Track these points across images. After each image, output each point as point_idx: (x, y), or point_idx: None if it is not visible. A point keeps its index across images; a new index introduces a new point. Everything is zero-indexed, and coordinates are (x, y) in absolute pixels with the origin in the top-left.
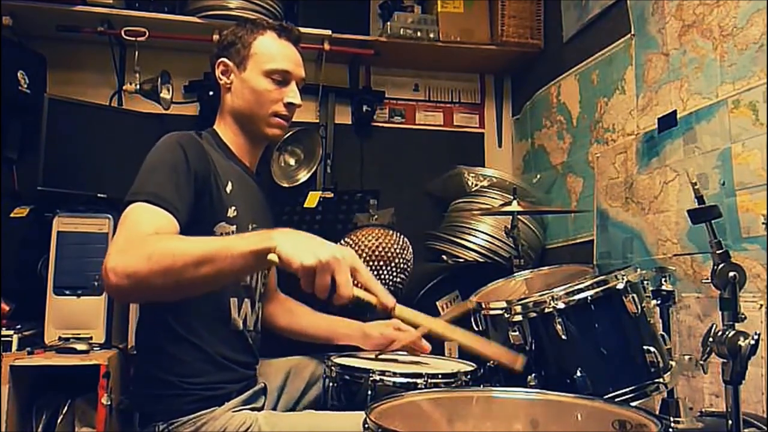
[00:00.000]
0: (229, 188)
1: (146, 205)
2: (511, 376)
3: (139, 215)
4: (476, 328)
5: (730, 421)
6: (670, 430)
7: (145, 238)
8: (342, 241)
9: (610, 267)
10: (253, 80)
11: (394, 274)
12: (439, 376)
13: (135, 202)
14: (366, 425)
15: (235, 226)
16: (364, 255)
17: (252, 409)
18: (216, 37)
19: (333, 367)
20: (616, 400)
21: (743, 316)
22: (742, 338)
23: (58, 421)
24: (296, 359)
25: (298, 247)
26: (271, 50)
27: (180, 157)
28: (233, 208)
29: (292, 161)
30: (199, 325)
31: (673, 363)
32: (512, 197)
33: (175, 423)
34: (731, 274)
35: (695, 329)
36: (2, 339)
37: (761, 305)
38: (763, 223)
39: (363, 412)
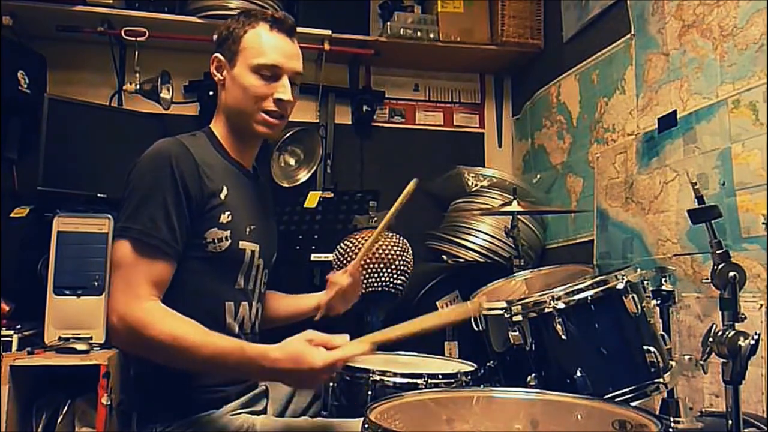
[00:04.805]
0: (223, 194)
1: (140, 247)
2: (511, 376)
3: (135, 260)
4: (476, 328)
5: (730, 421)
6: (670, 430)
7: (154, 310)
8: (342, 244)
9: (610, 267)
10: (241, 76)
11: (395, 276)
12: (439, 376)
13: (127, 236)
14: (366, 425)
15: (228, 231)
16: (364, 257)
17: (252, 413)
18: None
19: None
20: (616, 400)
21: (743, 316)
22: (742, 338)
23: (58, 421)
24: None
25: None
26: (261, 44)
27: (169, 179)
28: (227, 213)
29: (292, 161)
30: None
31: (673, 363)
32: (512, 197)
33: (173, 425)
34: (731, 274)
35: (695, 329)
36: (2, 339)
37: (761, 305)
38: (763, 223)
39: (358, 420)
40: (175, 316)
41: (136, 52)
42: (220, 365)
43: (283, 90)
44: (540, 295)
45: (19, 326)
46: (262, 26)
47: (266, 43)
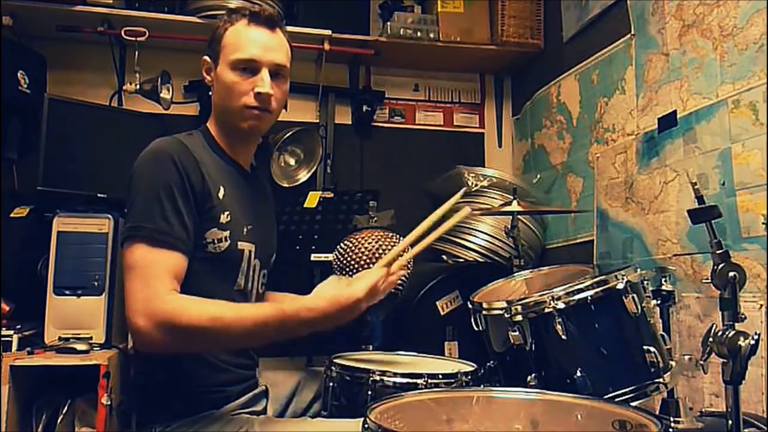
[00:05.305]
0: (221, 193)
1: (154, 244)
2: (511, 376)
3: (150, 257)
4: (476, 328)
5: (730, 421)
6: (670, 430)
7: (183, 307)
8: (342, 244)
9: (610, 267)
10: (222, 75)
11: None
12: (439, 376)
13: (138, 237)
14: (366, 425)
15: (228, 232)
16: (364, 257)
17: (252, 413)
18: None
19: (333, 368)
20: (616, 400)
21: (743, 316)
22: (742, 338)
23: (58, 421)
24: (304, 370)
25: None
26: (238, 40)
27: (175, 176)
28: (226, 213)
29: (292, 161)
30: None
31: (673, 363)
32: (512, 197)
33: (173, 425)
34: (731, 274)
35: (695, 329)
36: (2, 339)
37: (761, 305)
38: (763, 223)
39: (358, 420)
40: (202, 300)
41: (136, 52)
42: (262, 333)
43: (262, 83)
44: (540, 295)
45: (19, 326)
46: (241, 22)
47: (243, 38)
